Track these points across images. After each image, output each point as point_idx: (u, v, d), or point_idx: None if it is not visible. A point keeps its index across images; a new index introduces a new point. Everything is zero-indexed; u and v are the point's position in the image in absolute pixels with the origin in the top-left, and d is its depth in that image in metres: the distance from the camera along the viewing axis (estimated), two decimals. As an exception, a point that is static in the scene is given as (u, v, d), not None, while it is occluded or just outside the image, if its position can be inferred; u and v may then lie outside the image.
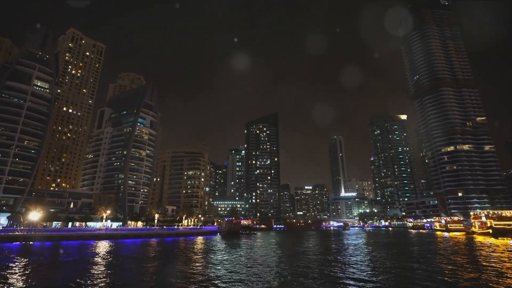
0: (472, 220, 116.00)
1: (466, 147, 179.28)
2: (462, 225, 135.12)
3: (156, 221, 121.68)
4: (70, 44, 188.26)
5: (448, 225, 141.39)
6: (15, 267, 31.93)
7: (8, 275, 27.12)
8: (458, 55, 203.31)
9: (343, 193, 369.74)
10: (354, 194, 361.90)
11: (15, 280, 25.36)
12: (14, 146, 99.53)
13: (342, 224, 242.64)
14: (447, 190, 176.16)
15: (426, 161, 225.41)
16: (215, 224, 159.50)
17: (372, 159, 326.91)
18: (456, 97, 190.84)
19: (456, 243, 71.21)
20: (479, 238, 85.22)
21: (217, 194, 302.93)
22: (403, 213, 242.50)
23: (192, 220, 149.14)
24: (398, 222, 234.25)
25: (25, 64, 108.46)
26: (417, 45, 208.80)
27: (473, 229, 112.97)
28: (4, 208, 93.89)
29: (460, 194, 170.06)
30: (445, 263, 37.52)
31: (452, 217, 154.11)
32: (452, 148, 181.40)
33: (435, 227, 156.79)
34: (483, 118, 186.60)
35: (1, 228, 68.97)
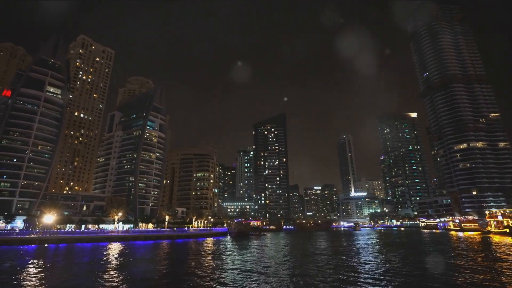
0: (488, 219, 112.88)
1: (479, 144, 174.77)
2: (477, 224, 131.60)
3: (166, 223, 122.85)
4: (80, 51, 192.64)
5: (462, 224, 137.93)
6: (32, 269, 32.76)
7: (25, 277, 27.85)
8: (469, 51, 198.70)
9: (353, 193, 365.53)
10: (364, 194, 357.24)
11: (32, 281, 26.00)
12: (28, 151, 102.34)
13: (352, 224, 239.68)
14: (460, 189, 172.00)
15: (438, 159, 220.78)
16: (225, 225, 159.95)
17: (382, 158, 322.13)
18: (468, 93, 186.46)
19: (472, 243, 69.42)
20: (495, 238, 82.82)
21: (226, 195, 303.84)
22: (415, 213, 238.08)
23: (202, 221, 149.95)
24: (410, 222, 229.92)
25: (38, 71, 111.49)
26: (426, 41, 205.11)
27: (488, 228, 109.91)
28: (20, 211, 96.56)
29: (474, 193, 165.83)
30: (463, 263, 36.62)
31: (466, 216, 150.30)
32: (465, 145, 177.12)
33: (448, 227, 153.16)
34: (497, 114, 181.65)
35: (17, 231, 70.80)
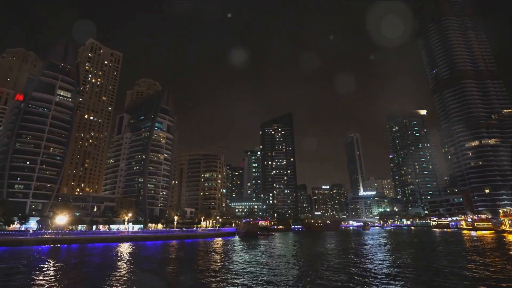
0: (502, 218, 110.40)
1: (492, 141, 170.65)
2: (490, 223, 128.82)
3: (175, 223, 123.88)
4: (89, 54, 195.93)
5: (475, 223, 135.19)
6: (46, 268, 33.45)
7: (40, 276, 28.45)
8: (480, 46, 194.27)
9: (361, 192, 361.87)
10: (373, 193, 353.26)
11: (46, 281, 26.54)
12: (40, 154, 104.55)
13: (361, 223, 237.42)
14: (472, 187, 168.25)
15: (449, 157, 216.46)
16: (233, 225, 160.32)
17: (391, 156, 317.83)
18: (479, 89, 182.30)
19: (487, 242, 67.86)
20: (510, 237, 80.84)
21: (234, 195, 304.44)
22: (426, 212, 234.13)
23: (210, 221, 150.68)
24: (421, 221, 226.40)
25: (48, 75, 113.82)
26: (435, 37, 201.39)
27: (503, 227, 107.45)
28: (33, 212, 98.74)
29: (487, 191, 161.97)
30: (479, 263, 35.82)
31: (479, 215, 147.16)
32: (476, 142, 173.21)
33: (461, 226, 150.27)
34: (510, 110, 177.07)
35: (31, 232, 72.45)
